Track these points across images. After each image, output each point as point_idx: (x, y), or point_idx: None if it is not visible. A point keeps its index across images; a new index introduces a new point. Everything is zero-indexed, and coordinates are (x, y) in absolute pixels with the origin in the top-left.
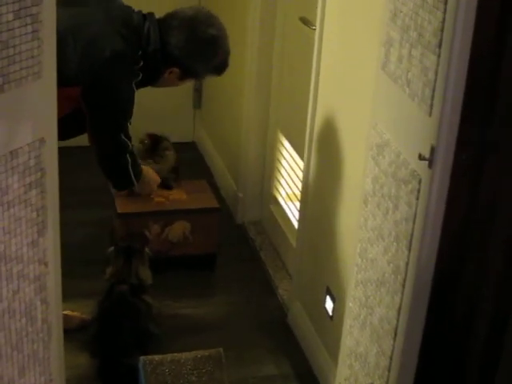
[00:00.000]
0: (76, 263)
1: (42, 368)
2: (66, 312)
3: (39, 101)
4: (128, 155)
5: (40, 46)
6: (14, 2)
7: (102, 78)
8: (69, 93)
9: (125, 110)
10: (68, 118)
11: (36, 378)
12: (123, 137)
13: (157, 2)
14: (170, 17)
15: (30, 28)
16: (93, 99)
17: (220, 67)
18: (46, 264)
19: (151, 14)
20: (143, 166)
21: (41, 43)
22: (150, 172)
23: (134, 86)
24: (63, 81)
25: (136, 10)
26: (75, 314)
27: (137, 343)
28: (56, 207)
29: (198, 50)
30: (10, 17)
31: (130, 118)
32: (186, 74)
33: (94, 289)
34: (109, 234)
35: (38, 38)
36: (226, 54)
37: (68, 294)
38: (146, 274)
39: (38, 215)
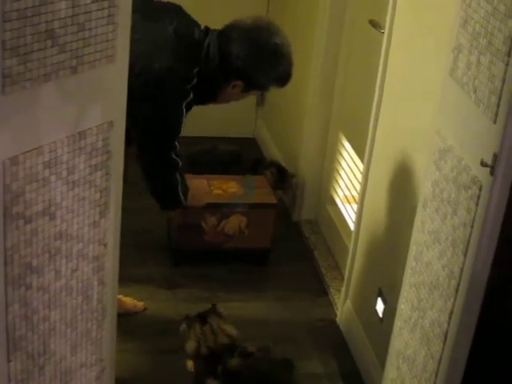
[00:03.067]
0: (132, 249)
1: (93, 347)
2: (119, 296)
3: (111, 84)
4: (178, 174)
5: (115, 31)
6: None
7: (148, 95)
8: None
9: (171, 130)
10: None
11: (87, 356)
12: (173, 155)
13: (221, 12)
14: (230, 28)
15: (106, 12)
16: (138, 116)
17: (284, 77)
18: (105, 245)
19: (213, 30)
20: (188, 180)
21: (116, 27)
22: (194, 184)
23: (183, 106)
24: None
25: (202, 25)
26: (128, 298)
27: None
28: (119, 190)
29: (262, 59)
30: (88, 0)
31: (177, 137)
32: (250, 85)
33: (148, 275)
34: (166, 223)
35: (114, 23)
36: (290, 63)
37: (122, 279)
38: (230, 328)
39: (101, 196)
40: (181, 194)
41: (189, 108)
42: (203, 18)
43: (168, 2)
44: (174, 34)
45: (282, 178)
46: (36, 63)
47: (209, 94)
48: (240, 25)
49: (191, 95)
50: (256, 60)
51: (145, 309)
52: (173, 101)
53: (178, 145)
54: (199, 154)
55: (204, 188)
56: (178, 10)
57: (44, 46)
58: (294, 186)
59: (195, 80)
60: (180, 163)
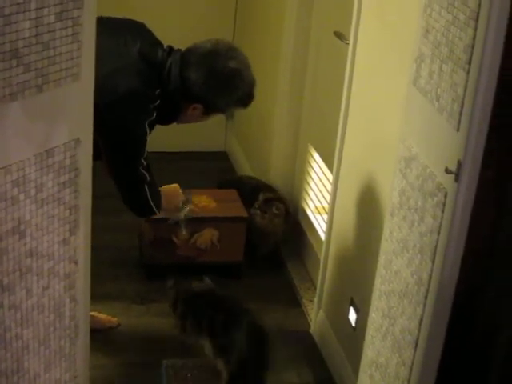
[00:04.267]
0: (105, 266)
1: (67, 364)
2: (92, 313)
3: (76, 102)
4: (146, 186)
5: (79, 49)
6: (55, 5)
7: (112, 117)
8: None
9: (135, 149)
10: None
11: (61, 373)
12: (140, 170)
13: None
14: (189, 52)
15: (70, 30)
16: (104, 136)
17: (244, 99)
18: (76, 262)
19: (177, 51)
20: (160, 189)
21: (80, 45)
22: (169, 191)
23: (146, 125)
24: None
25: (165, 45)
26: (102, 315)
27: None
28: (88, 207)
29: (219, 86)
30: (52, 19)
31: (143, 155)
32: (210, 109)
33: (121, 291)
34: (137, 238)
35: (78, 41)
36: (250, 85)
37: (96, 296)
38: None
39: (70, 214)
40: (152, 203)
41: (151, 128)
42: (168, 35)
43: (131, 20)
44: (138, 54)
45: (268, 202)
46: (1, 83)
47: (170, 114)
48: (198, 49)
49: (154, 115)
50: (212, 86)
51: (119, 324)
52: (137, 121)
53: (144, 162)
54: (227, 184)
55: (176, 190)
56: (141, 29)
57: (9, 65)
58: (275, 221)
59: (158, 101)
60: (148, 178)
